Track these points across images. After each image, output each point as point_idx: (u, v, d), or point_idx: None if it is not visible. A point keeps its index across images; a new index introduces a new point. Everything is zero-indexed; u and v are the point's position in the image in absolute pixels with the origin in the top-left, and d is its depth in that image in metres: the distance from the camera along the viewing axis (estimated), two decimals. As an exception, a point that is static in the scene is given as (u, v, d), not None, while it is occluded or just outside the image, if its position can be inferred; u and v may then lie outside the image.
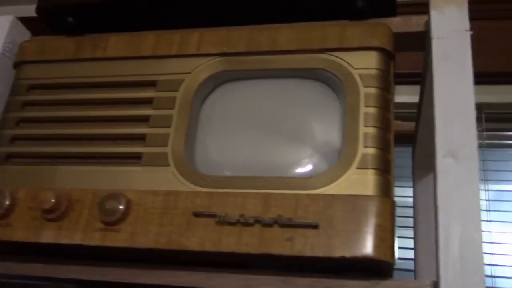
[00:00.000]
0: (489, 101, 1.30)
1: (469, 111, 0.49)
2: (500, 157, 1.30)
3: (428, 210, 0.76)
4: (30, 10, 0.69)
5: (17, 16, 0.68)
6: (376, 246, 0.45)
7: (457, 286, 0.43)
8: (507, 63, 1.28)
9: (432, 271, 0.46)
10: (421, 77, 0.62)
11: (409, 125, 0.78)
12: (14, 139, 0.59)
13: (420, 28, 0.57)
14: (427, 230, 0.75)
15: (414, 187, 0.79)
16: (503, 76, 1.29)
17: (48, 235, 0.52)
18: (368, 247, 0.45)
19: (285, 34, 0.56)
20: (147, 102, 0.57)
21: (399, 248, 1.08)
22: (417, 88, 0.66)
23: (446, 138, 0.48)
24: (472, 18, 0.53)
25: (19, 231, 0.52)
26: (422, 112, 0.66)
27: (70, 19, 0.64)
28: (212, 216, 0.49)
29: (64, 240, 0.51)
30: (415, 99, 0.69)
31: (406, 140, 0.80)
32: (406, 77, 0.85)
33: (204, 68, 0.57)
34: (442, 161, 0.48)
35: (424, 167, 0.77)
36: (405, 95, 0.92)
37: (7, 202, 0.53)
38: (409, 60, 0.72)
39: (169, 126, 0.55)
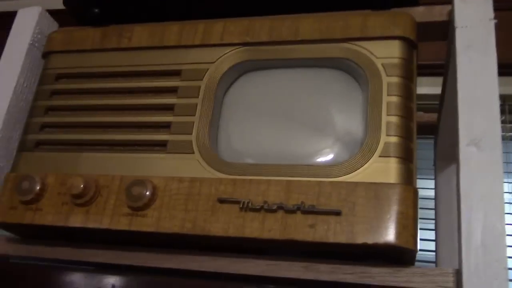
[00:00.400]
0: (513, 93, 1.28)
1: (493, 99, 0.49)
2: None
3: (450, 201, 0.75)
4: (57, 2, 0.70)
5: (45, 8, 0.69)
6: (399, 234, 0.45)
7: (479, 274, 0.43)
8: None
9: (453, 262, 0.46)
10: (444, 67, 0.62)
11: (431, 116, 0.78)
12: (43, 126, 0.61)
13: (444, 18, 0.57)
14: (448, 222, 0.75)
15: (435, 178, 0.79)
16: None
17: (77, 220, 0.53)
18: (390, 234, 0.45)
19: (307, 23, 0.57)
20: (172, 91, 0.58)
21: (421, 239, 1.08)
22: (438, 80, 0.66)
23: (470, 126, 0.48)
24: (497, 9, 0.52)
25: (49, 215, 0.54)
26: (445, 102, 0.66)
27: (96, 10, 0.65)
28: (236, 202, 0.49)
29: (92, 225, 0.52)
30: (436, 90, 0.69)
31: (428, 131, 0.79)
32: (427, 69, 0.85)
33: (228, 58, 0.58)
34: (465, 150, 0.47)
35: (446, 158, 0.76)
36: (426, 86, 0.92)
37: (38, 187, 0.54)
38: (430, 51, 0.72)
39: (193, 115, 0.56)
